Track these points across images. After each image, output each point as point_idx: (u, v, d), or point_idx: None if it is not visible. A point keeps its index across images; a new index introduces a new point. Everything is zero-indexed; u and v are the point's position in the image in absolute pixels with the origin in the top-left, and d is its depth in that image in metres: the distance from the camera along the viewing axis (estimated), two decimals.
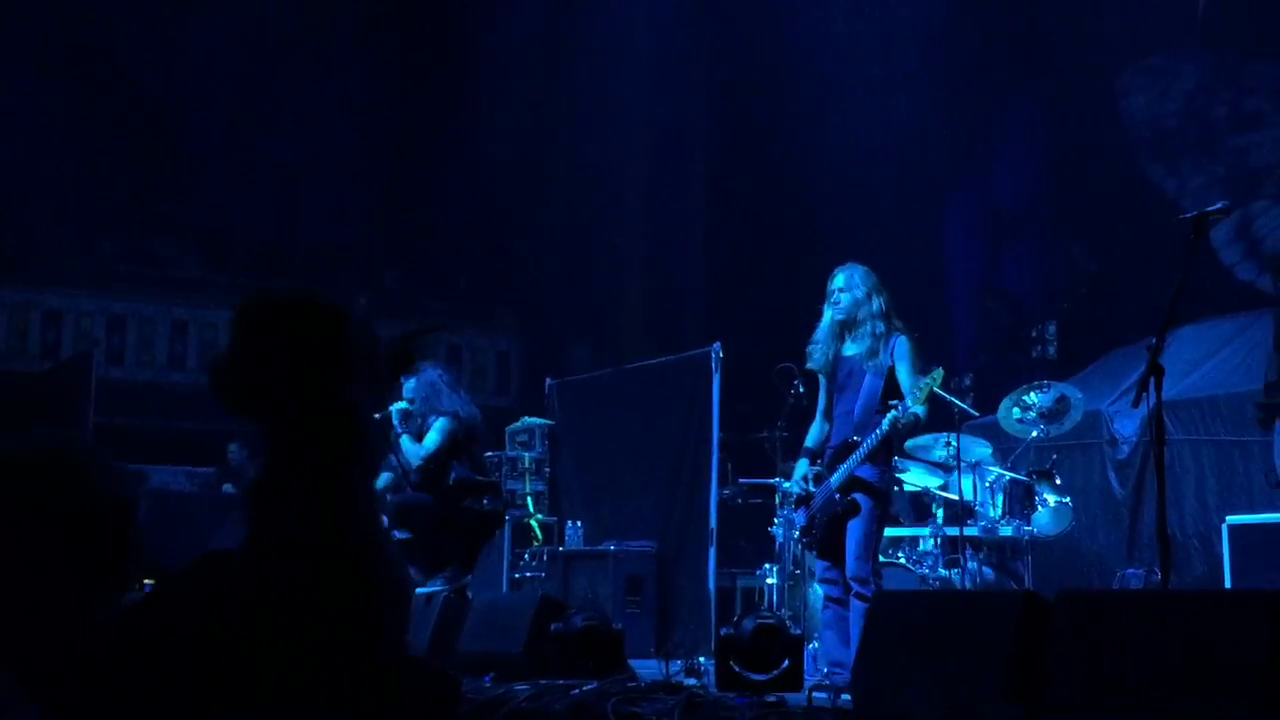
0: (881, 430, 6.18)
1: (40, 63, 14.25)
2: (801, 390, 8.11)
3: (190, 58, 15.09)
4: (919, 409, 6.20)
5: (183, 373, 15.63)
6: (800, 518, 6.57)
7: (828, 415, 6.61)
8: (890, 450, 6.52)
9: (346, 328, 2.28)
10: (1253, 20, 11.20)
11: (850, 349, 6.44)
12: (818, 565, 6.76)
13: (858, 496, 6.26)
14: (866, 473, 6.29)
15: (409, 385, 8.12)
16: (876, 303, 6.41)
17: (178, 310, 15.74)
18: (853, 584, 6.19)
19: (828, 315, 6.52)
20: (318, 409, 2.12)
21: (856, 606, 6.14)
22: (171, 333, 15.72)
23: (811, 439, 6.67)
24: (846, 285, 6.44)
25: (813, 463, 6.57)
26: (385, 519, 8.35)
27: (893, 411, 6.14)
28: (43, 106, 14.09)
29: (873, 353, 6.34)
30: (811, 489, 6.48)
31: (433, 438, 7.94)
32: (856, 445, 6.27)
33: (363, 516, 2.16)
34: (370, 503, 2.22)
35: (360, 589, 2.11)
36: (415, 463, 7.91)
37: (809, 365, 6.67)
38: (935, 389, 6.23)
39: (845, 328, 6.44)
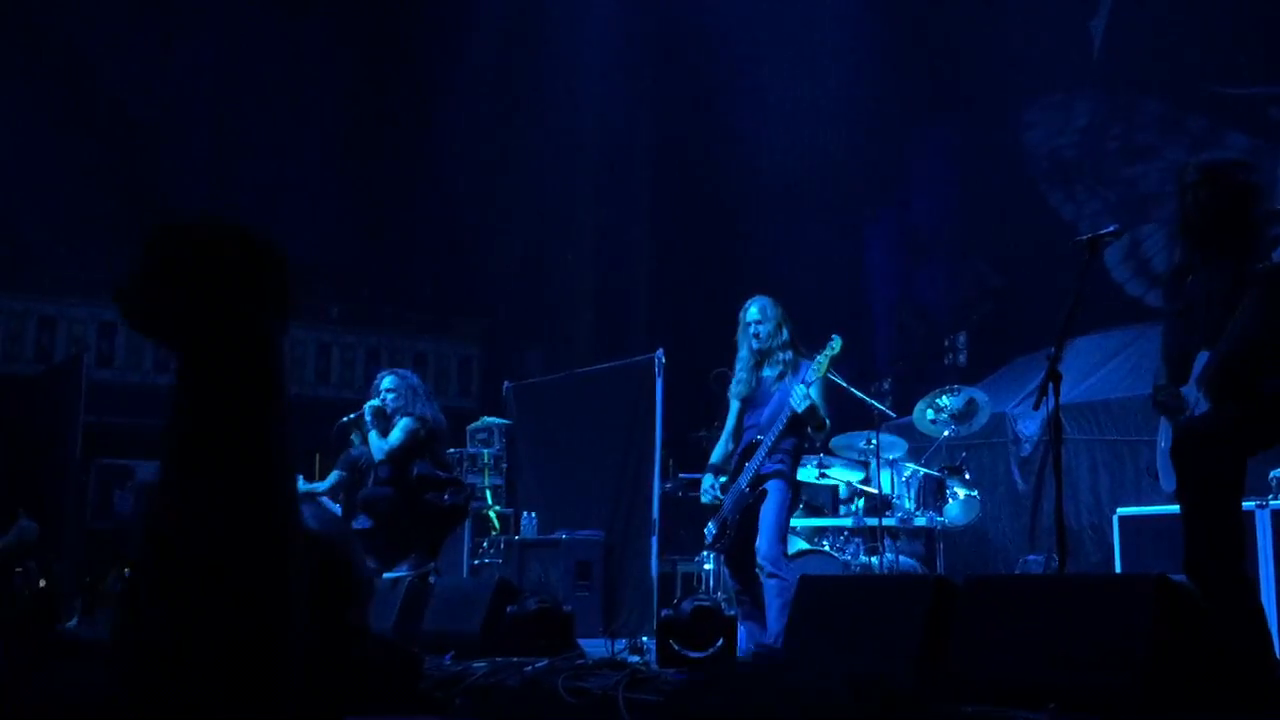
0: (782, 421, 6.25)
1: (33, 89, 14.08)
2: (731, 397, 8.14)
3: (174, 83, 14.96)
4: (816, 390, 6.26)
5: (167, 375, 15.44)
6: (711, 528, 6.60)
7: (735, 436, 6.65)
8: (798, 444, 6.54)
9: (262, 254, 2.03)
10: (1143, 62, 11.32)
11: (765, 372, 6.52)
12: (725, 571, 6.84)
13: (766, 486, 6.32)
14: (774, 464, 6.34)
15: (388, 381, 8.14)
16: (785, 331, 6.51)
17: None
18: (765, 564, 6.21)
19: (745, 347, 6.59)
20: (233, 335, 1.87)
21: (770, 586, 6.17)
22: None
23: (716, 455, 6.70)
24: (761, 317, 6.52)
25: (716, 477, 6.61)
26: (342, 509, 8.35)
27: (790, 402, 6.23)
28: (36, 129, 13.93)
29: (781, 376, 6.43)
30: (720, 496, 6.53)
31: (396, 435, 7.95)
32: (759, 444, 6.35)
33: (286, 467, 1.93)
34: (288, 455, 1.96)
35: (282, 542, 1.89)
36: (378, 456, 7.93)
37: (732, 392, 6.68)
38: (835, 354, 6.29)
39: (762, 355, 6.51)
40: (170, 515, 1.79)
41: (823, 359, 6.28)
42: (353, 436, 8.42)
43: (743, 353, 6.61)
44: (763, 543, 6.26)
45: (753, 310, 6.56)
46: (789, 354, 6.46)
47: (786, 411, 6.27)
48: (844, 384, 7.63)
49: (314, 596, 2.07)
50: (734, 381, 6.67)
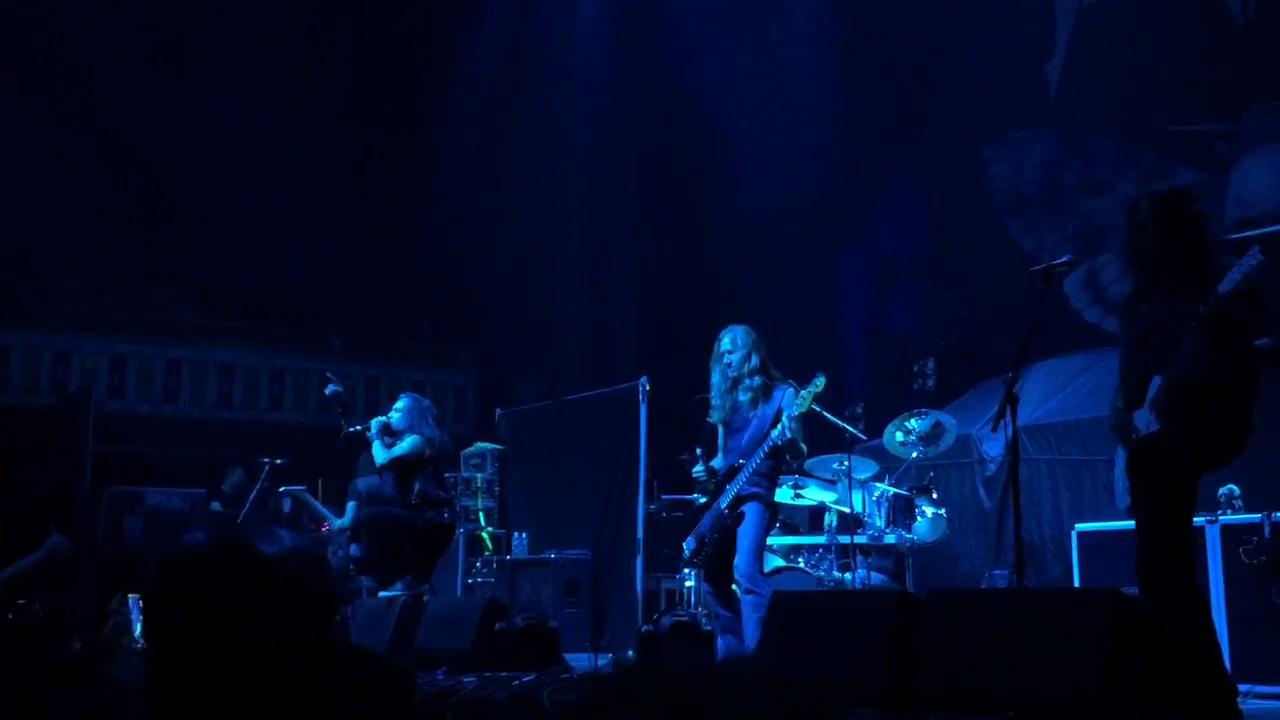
0: (764, 450, 6.26)
1: (51, 131, 14.09)
2: (712, 421, 8.13)
3: (185, 127, 14.97)
4: (796, 424, 6.26)
5: (176, 405, 15.45)
6: (690, 543, 6.60)
7: (725, 454, 6.67)
8: (775, 466, 6.54)
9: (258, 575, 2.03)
10: (1097, 102, 11.37)
11: (740, 397, 6.52)
12: (703, 587, 6.81)
13: (745, 508, 6.32)
14: (751, 487, 6.35)
15: (402, 401, 8.21)
16: (755, 359, 6.52)
17: (173, 351, 15.57)
18: (743, 581, 6.20)
19: (718, 374, 6.60)
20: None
21: (748, 601, 6.16)
22: (167, 371, 15.54)
23: (716, 463, 6.70)
24: (732, 347, 6.55)
25: (711, 478, 6.61)
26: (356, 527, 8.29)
27: (772, 434, 6.24)
28: (54, 171, 13.93)
29: (754, 402, 6.45)
30: (723, 509, 6.51)
31: (402, 446, 8.03)
32: (741, 468, 6.35)
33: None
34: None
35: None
36: (380, 462, 7.97)
37: (711, 418, 6.69)
38: (818, 391, 6.28)
39: (734, 382, 6.52)
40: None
41: (806, 395, 6.25)
42: (360, 465, 8.43)
43: (715, 379, 6.63)
44: (741, 561, 6.27)
45: (725, 341, 6.60)
46: (758, 380, 6.48)
47: (768, 443, 6.27)
48: (819, 409, 7.62)
49: (297, 616, 2.05)
50: (711, 408, 6.69)
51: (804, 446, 6.47)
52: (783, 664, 4.76)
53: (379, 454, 8.03)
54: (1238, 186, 10.10)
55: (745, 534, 6.29)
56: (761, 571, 6.41)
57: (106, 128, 14.80)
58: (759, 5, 13.88)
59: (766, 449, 6.29)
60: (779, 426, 6.23)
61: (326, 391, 8.41)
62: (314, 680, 2.04)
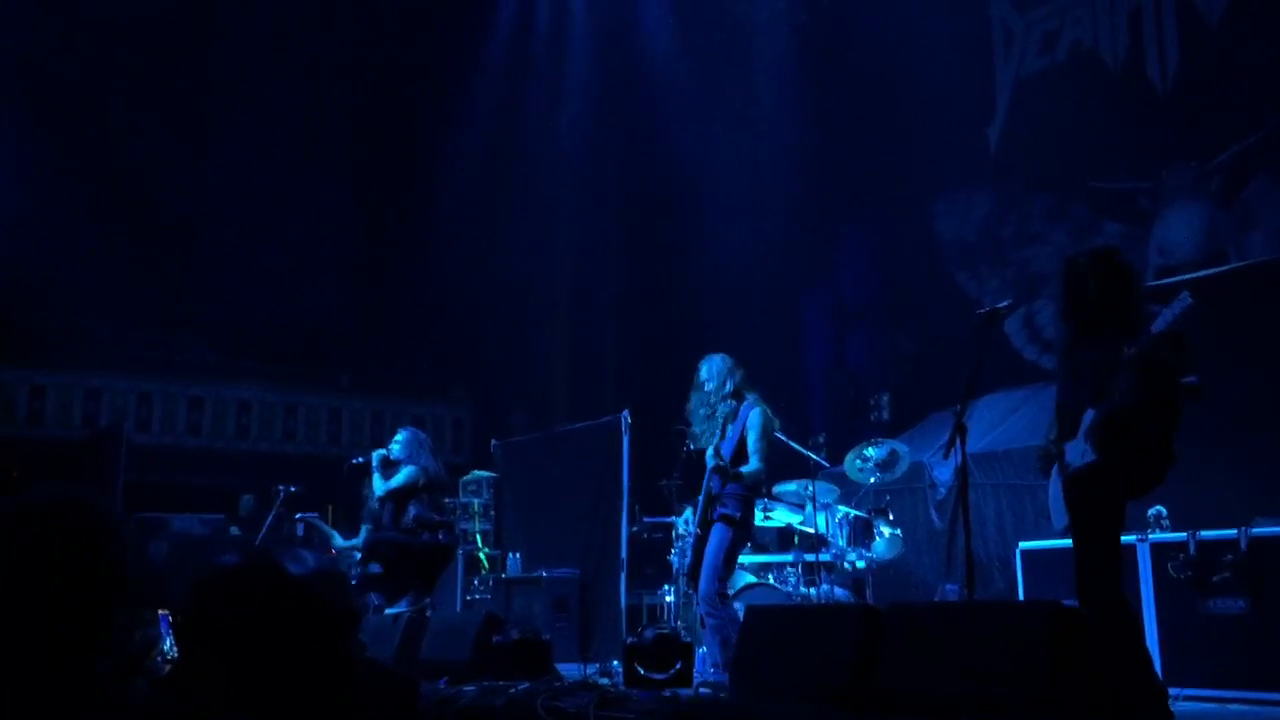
0: (707, 474, 6.17)
1: (82, 186, 14.06)
2: (692, 448, 8.09)
3: (206, 183, 14.97)
4: (761, 443, 6.19)
5: (198, 439, 15.37)
6: (684, 560, 6.57)
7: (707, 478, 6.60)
8: (740, 491, 6.24)
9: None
10: (1032, 162, 11.52)
11: (718, 422, 6.47)
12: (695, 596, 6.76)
13: (712, 529, 6.21)
14: (719, 508, 6.19)
15: (400, 435, 8.18)
16: (729, 385, 6.41)
17: (195, 388, 15.52)
18: (701, 603, 6.03)
19: (696, 400, 6.50)
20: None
21: (708, 624, 6.00)
22: (189, 406, 15.48)
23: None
24: (708, 375, 6.47)
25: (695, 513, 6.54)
26: (359, 555, 8.27)
27: (706, 459, 6.18)
28: (85, 222, 13.90)
29: (725, 427, 6.35)
30: (694, 530, 6.47)
31: (397, 478, 7.98)
32: (706, 490, 6.28)
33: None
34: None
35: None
36: (379, 493, 7.95)
37: (699, 445, 6.48)
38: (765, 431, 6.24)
39: (712, 409, 6.46)
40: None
41: (712, 449, 6.19)
42: (366, 491, 8.40)
43: (699, 410, 6.48)
44: (701, 581, 6.10)
45: (702, 370, 6.52)
46: (729, 405, 6.38)
47: (708, 468, 6.18)
48: (785, 439, 7.65)
49: (319, 629, 2.04)
50: (691, 435, 6.56)
51: (746, 470, 6.15)
52: (758, 672, 4.77)
53: (378, 485, 8.02)
54: (1158, 237, 10.23)
55: (707, 554, 6.13)
56: (721, 593, 6.10)
57: (134, 183, 14.77)
58: (730, 76, 14.03)
59: (709, 472, 6.16)
60: (708, 454, 6.14)
61: (349, 464, 8.40)
62: (338, 690, 2.05)
